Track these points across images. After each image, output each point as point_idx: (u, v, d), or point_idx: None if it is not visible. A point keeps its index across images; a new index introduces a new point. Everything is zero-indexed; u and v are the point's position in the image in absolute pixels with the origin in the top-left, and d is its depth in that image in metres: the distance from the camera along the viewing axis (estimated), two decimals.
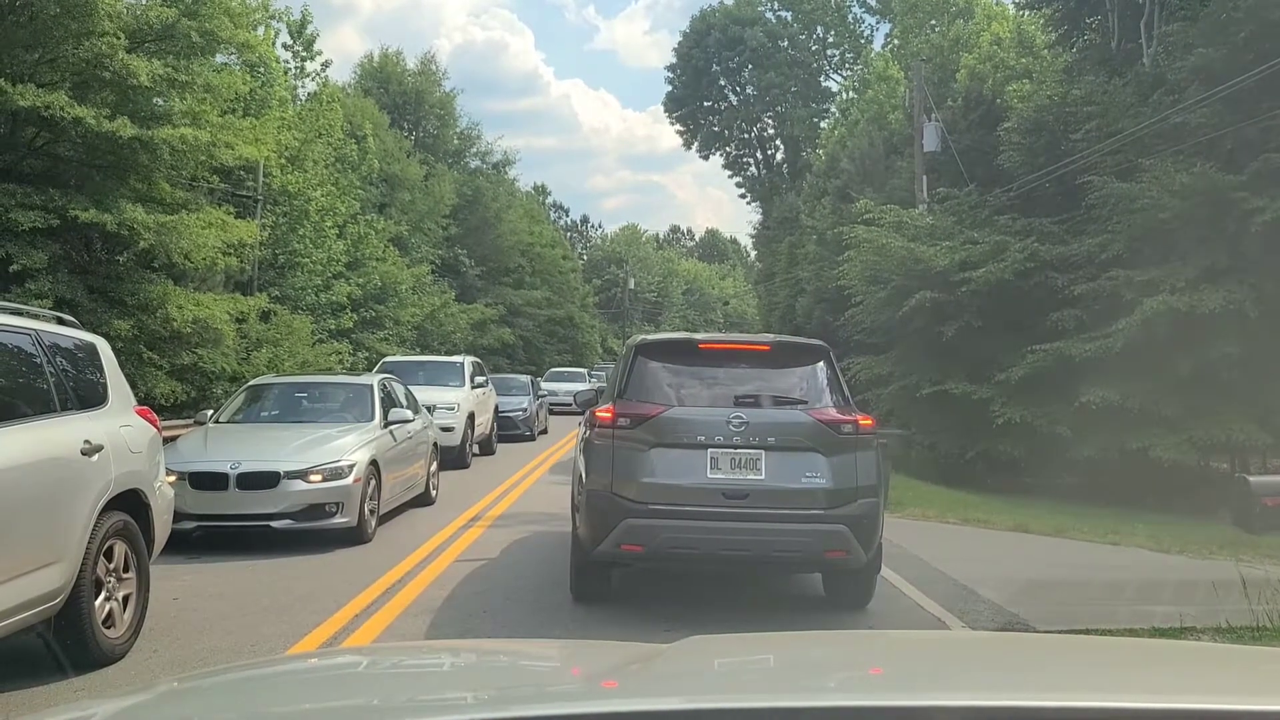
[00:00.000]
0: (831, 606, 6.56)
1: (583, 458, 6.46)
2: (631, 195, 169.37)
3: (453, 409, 13.11)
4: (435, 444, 9.89)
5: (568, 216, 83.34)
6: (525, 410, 19.05)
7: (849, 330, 24.61)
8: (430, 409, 12.98)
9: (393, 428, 8.35)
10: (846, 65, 51.98)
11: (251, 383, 9.15)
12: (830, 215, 36.43)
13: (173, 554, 6.56)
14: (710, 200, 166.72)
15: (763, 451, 5.98)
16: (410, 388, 13.13)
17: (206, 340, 19.82)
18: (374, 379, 8.79)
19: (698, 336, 7.15)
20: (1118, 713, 1.31)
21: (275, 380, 9.40)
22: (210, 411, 8.40)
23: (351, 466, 7.34)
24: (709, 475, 5.95)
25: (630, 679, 1.62)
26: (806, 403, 6.29)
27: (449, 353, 35.67)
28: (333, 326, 26.18)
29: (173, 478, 7.00)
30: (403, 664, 2.05)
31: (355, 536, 7.56)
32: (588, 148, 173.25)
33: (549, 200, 73.40)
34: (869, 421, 6.28)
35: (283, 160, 25.19)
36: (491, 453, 15.79)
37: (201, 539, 7.30)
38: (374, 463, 7.62)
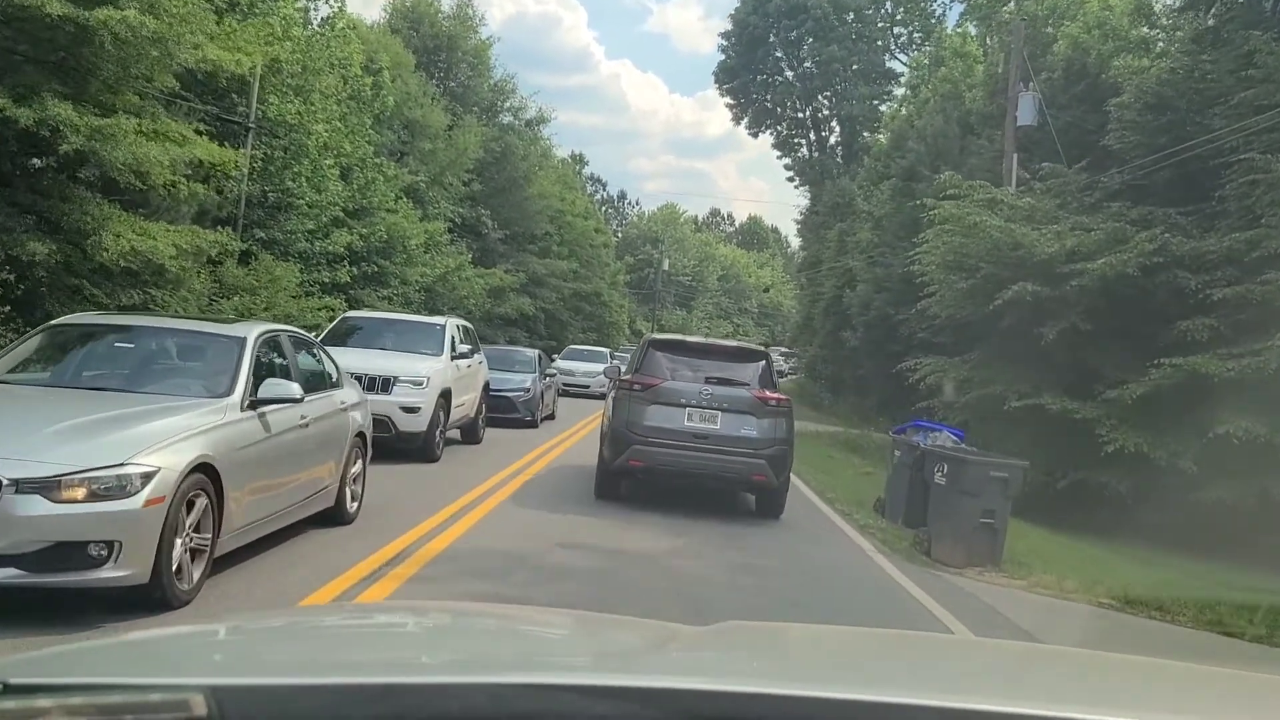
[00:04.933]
0: (758, 517, 9.57)
1: (610, 407, 9.64)
2: (673, 180, 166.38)
3: (420, 384, 10.01)
4: (363, 434, 6.77)
5: (605, 190, 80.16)
6: (527, 390, 15.89)
7: (914, 325, 21.33)
8: (387, 382, 9.95)
9: (267, 410, 5.15)
10: (914, 46, 48.39)
11: (52, 323, 5.89)
12: (889, 201, 33.22)
13: None
14: (752, 190, 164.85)
15: (719, 412, 9.12)
16: (372, 352, 10.16)
17: (166, 280, 16.94)
18: (252, 331, 5.55)
19: (689, 339, 11.28)
20: None
21: (88, 321, 5.98)
22: None
23: (147, 476, 4.06)
24: (685, 424, 9.07)
25: (662, 658, 1.63)
26: (749, 385, 9.44)
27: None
28: (327, 279, 23.25)
29: None
30: (414, 624, 1.99)
31: (151, 599, 4.29)
32: (633, 129, 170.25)
33: (586, 172, 70.29)
34: (785, 398, 9.64)
35: (283, 88, 22.33)
36: (476, 441, 12.71)
37: None
38: (205, 468, 4.40)
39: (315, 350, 6.38)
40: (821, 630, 2.98)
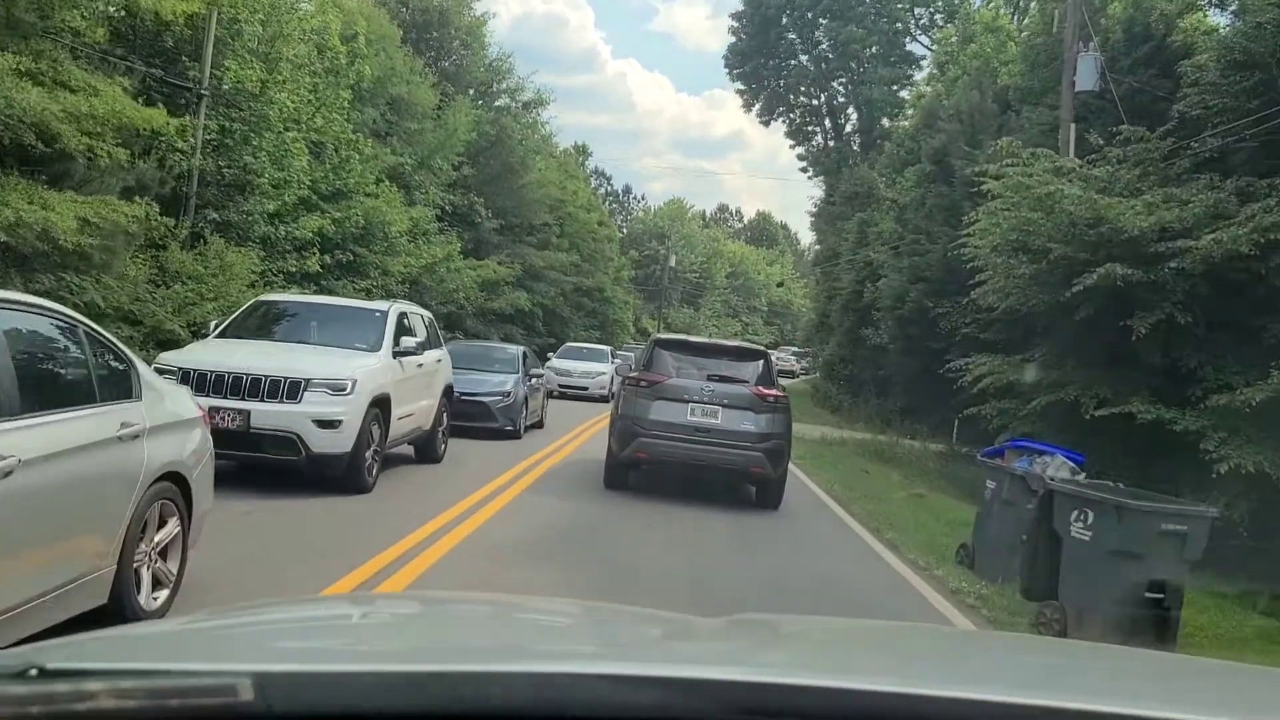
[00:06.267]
0: (758, 507, 10.11)
1: (620, 401, 10.30)
2: (680, 180, 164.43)
3: (342, 389, 7.42)
4: (180, 475, 4.08)
5: (609, 184, 77.44)
6: (507, 394, 13.28)
7: (956, 317, 18.71)
8: (296, 387, 7.37)
9: None
10: (936, 28, 45.73)
11: None
12: (915, 187, 30.76)
13: None
14: (758, 190, 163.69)
15: (720, 407, 9.77)
16: (280, 347, 7.63)
17: (92, 265, 14.50)
18: None
19: (692, 338, 12.38)
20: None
21: None
22: None
23: None
24: (688, 418, 9.71)
25: (695, 648, 1.64)
26: (748, 382, 10.12)
27: (450, 316, 30.15)
28: (294, 268, 20.72)
29: None
30: (404, 612, 2.02)
31: None
32: (639, 129, 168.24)
33: (590, 165, 67.62)
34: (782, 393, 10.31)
35: (244, 52, 19.89)
36: (434, 460, 10.15)
37: None
38: None
39: (76, 339, 3.74)
40: (837, 623, 3.02)
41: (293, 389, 7.27)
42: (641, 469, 10.15)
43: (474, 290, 29.98)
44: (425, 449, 10.05)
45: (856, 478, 13.54)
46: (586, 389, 24.13)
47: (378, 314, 8.85)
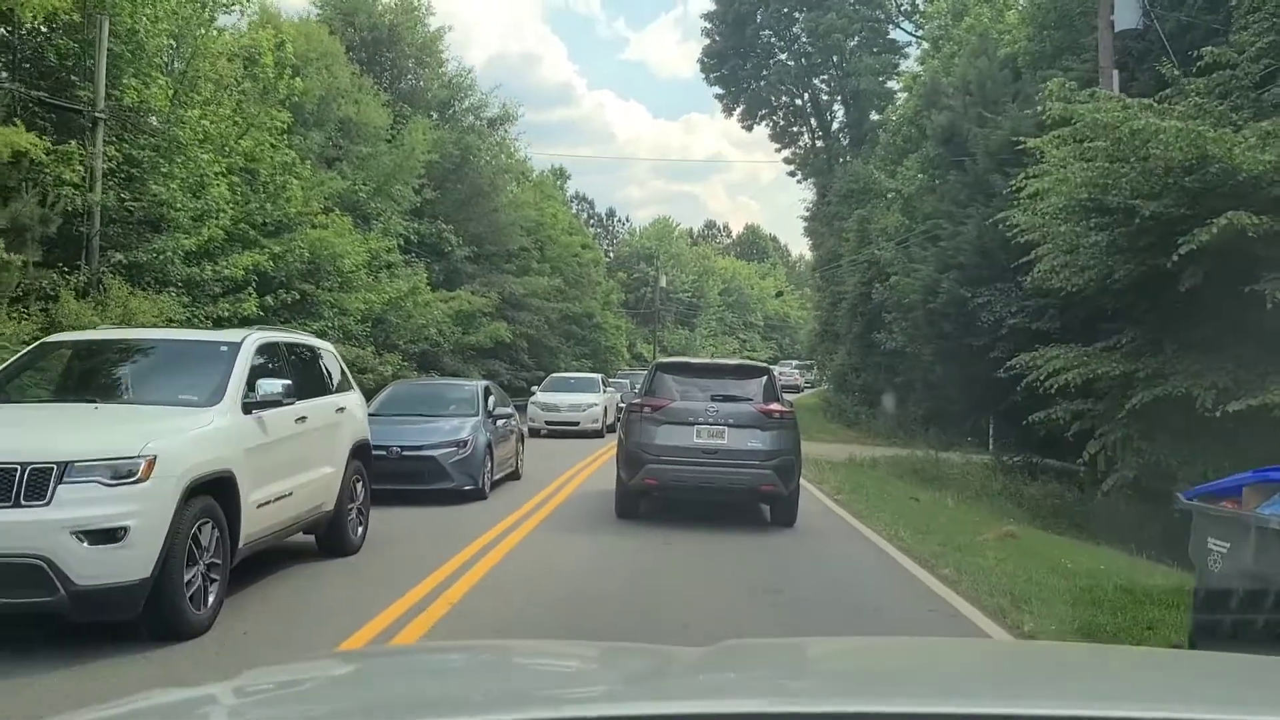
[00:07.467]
0: (772, 526, 9.95)
1: (624, 429, 10.27)
2: (664, 205, 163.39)
3: (128, 474, 4.18)
4: None
5: (592, 209, 74.90)
6: (464, 443, 10.31)
7: (1001, 305, 15.93)
8: (42, 478, 4.48)
9: None
10: (918, 12, 43.35)
11: None
12: (920, 174, 28.23)
13: None
14: (742, 209, 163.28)
15: (726, 427, 9.74)
16: (49, 411, 4.78)
17: None
18: None
19: (693, 360, 12.30)
20: None
21: None
22: None
23: None
24: (695, 440, 9.70)
25: (663, 682, 1.62)
26: (752, 400, 10.05)
27: (424, 355, 27.29)
28: (225, 313, 17.91)
29: None
30: (422, 662, 2.02)
31: None
32: (621, 157, 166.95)
33: (570, 190, 65.04)
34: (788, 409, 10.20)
35: (150, 70, 17.27)
36: (346, 552, 7.14)
37: None
38: None
39: None
40: (828, 643, 2.94)
41: (35, 482, 4.28)
42: (654, 495, 10.04)
43: (447, 324, 27.18)
44: (330, 537, 7.05)
45: (916, 513, 10.73)
46: (577, 424, 21.27)
47: (223, 348, 5.84)
